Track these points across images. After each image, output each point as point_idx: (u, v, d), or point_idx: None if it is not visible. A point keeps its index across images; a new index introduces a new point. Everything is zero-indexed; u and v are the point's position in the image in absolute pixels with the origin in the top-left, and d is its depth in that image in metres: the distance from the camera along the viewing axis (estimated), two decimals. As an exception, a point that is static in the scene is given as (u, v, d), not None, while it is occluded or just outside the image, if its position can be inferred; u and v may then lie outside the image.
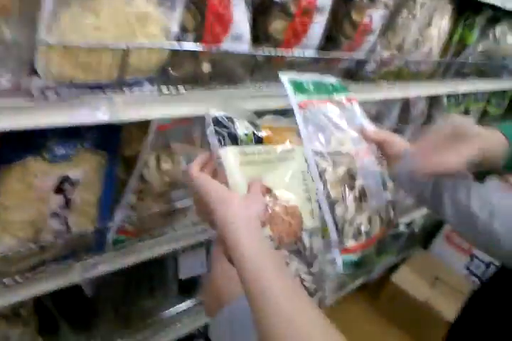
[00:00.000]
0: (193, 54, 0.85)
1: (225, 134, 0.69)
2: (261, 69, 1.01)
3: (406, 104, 1.63)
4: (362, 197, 0.88)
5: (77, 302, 1.24)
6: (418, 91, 1.57)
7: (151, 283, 1.39)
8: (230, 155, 0.69)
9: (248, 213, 0.61)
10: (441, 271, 2.68)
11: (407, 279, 2.59)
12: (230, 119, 0.72)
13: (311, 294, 0.77)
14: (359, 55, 1.20)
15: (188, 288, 1.48)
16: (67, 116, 0.73)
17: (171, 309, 1.43)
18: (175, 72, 0.85)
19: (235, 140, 0.70)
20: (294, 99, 0.80)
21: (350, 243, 0.85)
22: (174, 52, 0.82)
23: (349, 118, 0.92)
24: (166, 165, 0.99)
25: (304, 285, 0.75)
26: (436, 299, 2.48)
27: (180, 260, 1.37)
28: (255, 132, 0.74)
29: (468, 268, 2.72)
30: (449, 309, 2.36)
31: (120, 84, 0.78)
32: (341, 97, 0.94)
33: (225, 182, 0.67)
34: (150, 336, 1.34)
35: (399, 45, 1.30)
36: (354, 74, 1.28)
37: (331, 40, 1.12)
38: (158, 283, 1.39)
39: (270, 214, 0.69)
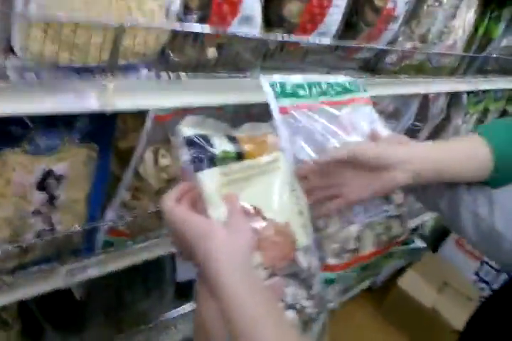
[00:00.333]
0: (197, 37, 0.75)
1: (201, 155, 0.61)
2: (273, 57, 0.91)
3: (425, 101, 1.53)
4: (352, 210, 0.80)
5: (66, 305, 1.15)
6: (439, 87, 1.46)
7: (146, 284, 1.30)
8: (208, 179, 0.60)
9: (234, 246, 0.53)
10: (449, 276, 2.58)
11: (414, 284, 2.49)
12: (205, 137, 0.63)
13: (313, 320, 0.68)
14: (380, 44, 1.10)
15: (185, 291, 1.39)
16: (49, 102, 0.64)
17: (167, 313, 1.34)
18: (176, 56, 0.76)
19: (213, 160, 0.62)
20: (275, 104, 0.73)
21: (332, 260, 0.78)
22: (175, 34, 0.73)
23: (357, 122, 0.84)
24: (164, 161, 0.89)
25: (306, 313, 0.66)
26: (443, 305, 2.38)
27: (178, 262, 1.28)
28: (234, 147, 0.65)
29: (477, 274, 2.63)
30: (456, 316, 2.26)
31: (113, 68, 0.68)
32: (351, 98, 0.86)
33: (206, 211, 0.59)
34: (143, 342, 1.26)
35: (422, 36, 1.20)
36: (373, 66, 1.18)
37: (350, 27, 1.02)
38: (153, 285, 1.30)
39: (259, 239, 0.60)
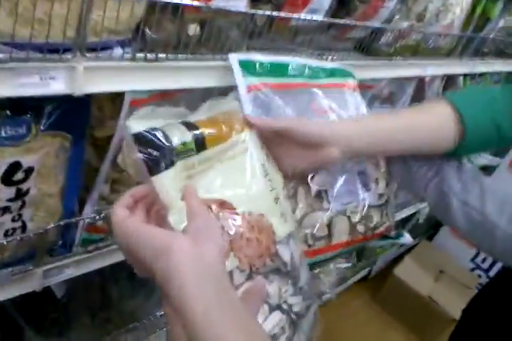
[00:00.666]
0: (177, 11, 0.67)
1: (156, 154, 0.52)
2: (260, 36, 0.84)
3: (420, 84, 1.47)
4: (322, 195, 0.76)
5: (47, 306, 1.09)
6: (435, 69, 1.40)
7: (133, 281, 1.23)
8: (164, 183, 0.52)
9: (200, 256, 0.44)
10: (445, 264, 2.55)
11: (410, 272, 2.46)
12: (158, 131, 0.54)
13: (302, 316, 0.62)
14: (375, 23, 1.03)
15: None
16: (8, 85, 0.56)
17: (156, 312, 1.27)
18: (153, 33, 0.68)
19: (170, 157, 0.53)
20: (242, 82, 0.69)
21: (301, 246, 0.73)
22: (152, 8, 0.65)
23: (340, 107, 0.81)
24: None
25: (293, 313, 0.60)
26: (439, 293, 2.35)
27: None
28: (194, 135, 0.56)
29: (474, 261, 2.59)
30: (453, 304, 2.23)
31: (82, 46, 0.61)
32: (335, 83, 0.82)
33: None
34: (132, 342, 1.19)
35: (420, 15, 1.13)
36: (367, 46, 1.10)
37: (343, 4, 0.95)
38: (139, 282, 1.23)
39: (231, 239, 0.53)
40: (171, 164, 0.53)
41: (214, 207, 0.54)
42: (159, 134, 0.54)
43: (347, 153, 0.66)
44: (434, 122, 0.69)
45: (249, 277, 0.55)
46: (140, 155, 0.52)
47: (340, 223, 0.77)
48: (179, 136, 0.55)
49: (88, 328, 1.14)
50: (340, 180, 0.78)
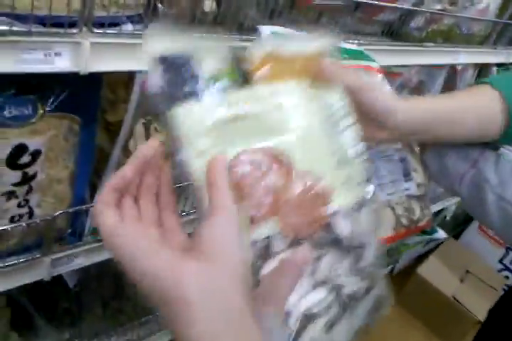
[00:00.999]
0: (191, -14, 0.63)
1: (181, 79, 0.42)
2: (281, 16, 0.79)
3: (452, 74, 1.39)
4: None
5: (59, 295, 1.06)
6: (468, 58, 1.32)
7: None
8: (188, 118, 0.41)
9: (213, 276, 0.35)
10: (472, 264, 2.46)
11: (435, 271, 2.38)
12: (190, 57, 0.44)
13: (358, 298, 0.54)
14: (405, 5, 0.97)
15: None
16: (9, 60, 0.53)
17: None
18: (166, 9, 0.64)
19: (199, 89, 0.42)
20: None
21: None
22: (164, -19, 0.62)
23: None
24: (157, 136, 0.79)
25: (344, 294, 0.52)
26: (464, 294, 2.26)
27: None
28: (239, 67, 0.46)
29: (502, 262, 2.49)
30: (478, 306, 2.15)
31: (88, 20, 0.57)
32: (359, 64, 0.77)
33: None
34: (145, 335, 1.16)
35: (453, -3, 1.06)
36: (396, 30, 1.04)
37: (371, -17, 0.89)
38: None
39: (276, 201, 0.44)
40: (199, 96, 0.43)
41: (258, 161, 0.44)
42: (190, 59, 0.43)
43: (395, 135, 0.60)
44: (488, 107, 0.64)
45: (293, 244, 0.47)
46: (160, 79, 0.41)
47: (385, 215, 0.72)
48: (215, 64, 0.44)
49: (100, 319, 1.12)
50: (384, 168, 0.73)
